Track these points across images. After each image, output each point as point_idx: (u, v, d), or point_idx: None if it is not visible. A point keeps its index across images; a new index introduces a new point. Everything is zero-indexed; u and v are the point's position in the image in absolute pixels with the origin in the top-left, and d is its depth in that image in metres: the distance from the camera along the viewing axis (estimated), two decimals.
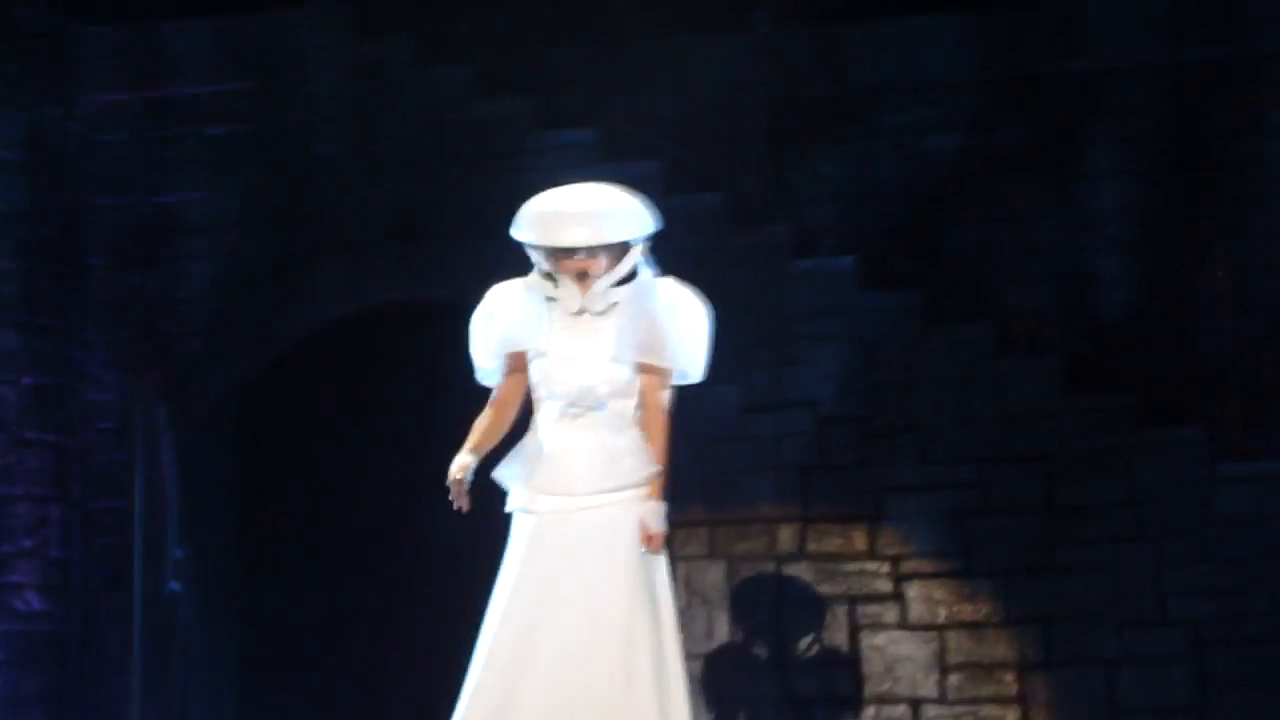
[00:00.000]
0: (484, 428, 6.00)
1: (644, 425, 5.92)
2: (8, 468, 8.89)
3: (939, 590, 8.30)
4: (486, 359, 6.02)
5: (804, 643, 8.40)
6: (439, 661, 6.23)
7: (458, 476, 5.91)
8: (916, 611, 8.33)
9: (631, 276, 5.92)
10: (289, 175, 9.37)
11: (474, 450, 5.95)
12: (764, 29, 9.31)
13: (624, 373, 5.88)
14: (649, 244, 5.93)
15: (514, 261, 6.01)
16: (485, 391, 6.04)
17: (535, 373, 5.92)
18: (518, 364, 5.96)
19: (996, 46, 9.21)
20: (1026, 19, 9.21)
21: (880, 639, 8.35)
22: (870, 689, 8.33)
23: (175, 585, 8.66)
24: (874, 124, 9.21)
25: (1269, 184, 8.71)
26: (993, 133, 9.10)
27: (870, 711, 8.31)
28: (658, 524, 5.85)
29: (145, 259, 9.35)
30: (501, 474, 5.94)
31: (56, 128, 9.38)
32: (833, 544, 8.43)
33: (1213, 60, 8.88)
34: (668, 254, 6.10)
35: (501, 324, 5.98)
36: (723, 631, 8.45)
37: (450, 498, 5.87)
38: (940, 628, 8.30)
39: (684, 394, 6.07)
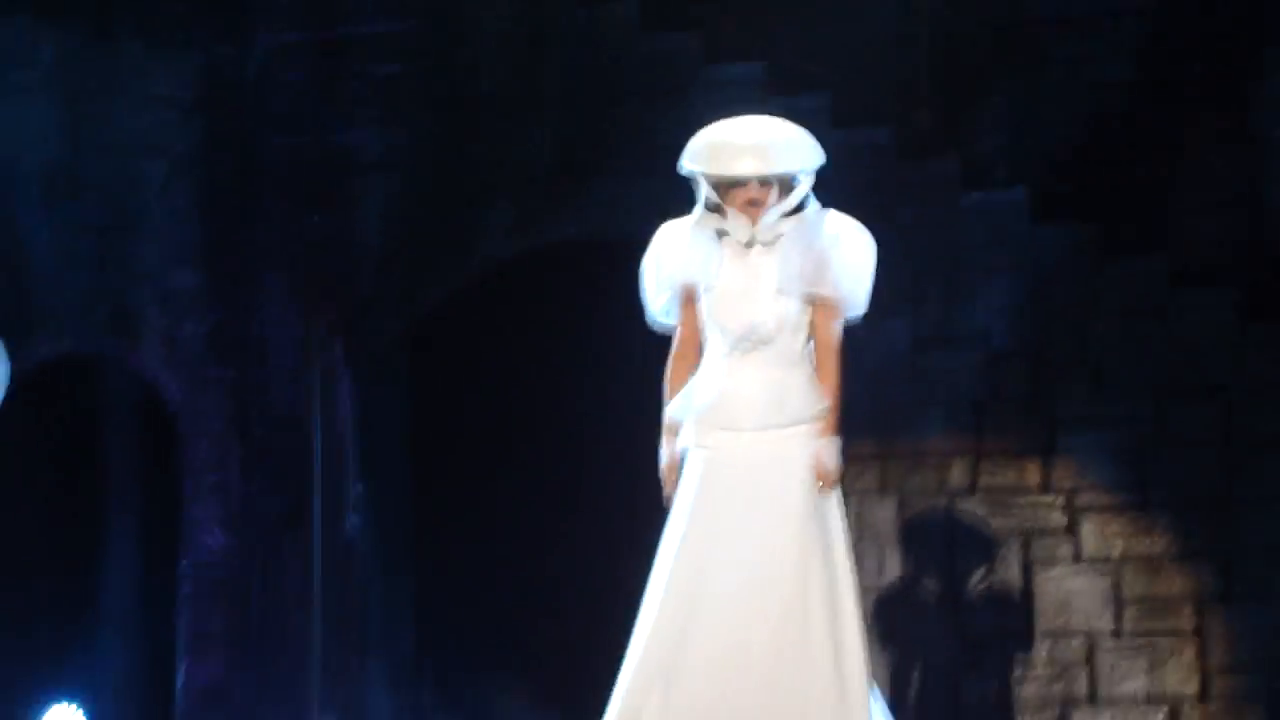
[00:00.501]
0: (676, 385, 6.04)
1: (815, 359, 5.93)
2: (190, 405, 9.09)
3: (1114, 525, 8.23)
4: (659, 295, 6.06)
5: (976, 578, 8.37)
6: (614, 594, 6.29)
7: (671, 477, 5.98)
8: (1091, 546, 8.28)
9: (799, 209, 5.93)
10: (458, 113, 9.43)
11: (674, 431, 5.97)
12: None
13: (792, 306, 5.89)
14: (816, 177, 5.93)
15: (682, 198, 6.03)
16: (654, 331, 6.07)
17: (704, 308, 5.95)
18: (691, 298, 6.00)
19: None
20: None
21: (1054, 573, 8.29)
22: (1044, 624, 8.28)
23: (354, 520, 8.81)
24: (1045, 55, 9.07)
25: None
26: (1167, 60, 8.93)
27: (1044, 647, 8.27)
28: (832, 460, 5.87)
29: (320, 198, 9.47)
30: (674, 412, 5.98)
31: (230, 69, 9.51)
32: (1006, 478, 8.38)
33: None
34: (836, 188, 6.10)
35: (672, 260, 6.02)
36: (894, 568, 8.44)
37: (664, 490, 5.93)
38: (1116, 562, 8.25)
39: (853, 329, 6.07)
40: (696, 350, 6.01)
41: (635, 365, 6.68)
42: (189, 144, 9.34)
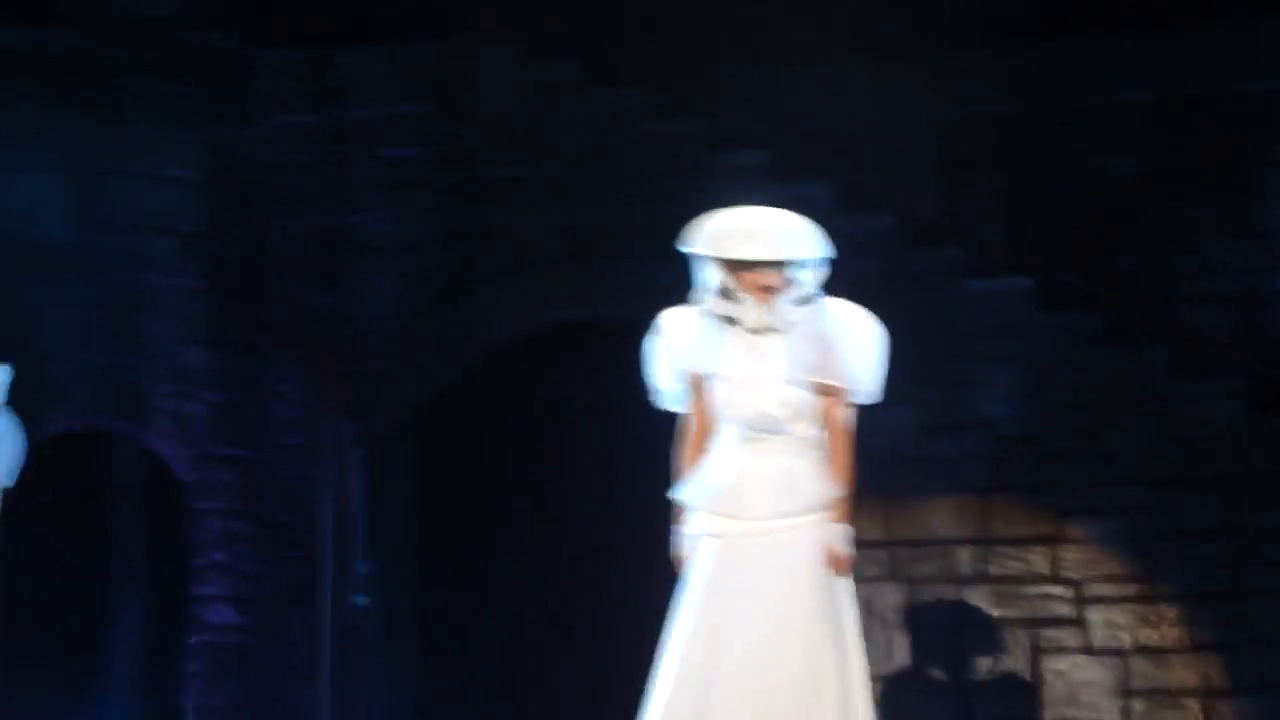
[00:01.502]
0: (686, 470, 6.05)
1: (827, 447, 5.95)
2: (199, 483, 9.08)
3: (1121, 615, 8.28)
4: (669, 384, 6.08)
5: (984, 667, 8.38)
6: (620, 679, 6.28)
7: (683, 556, 6.01)
8: (1099, 636, 8.32)
9: (809, 298, 5.97)
10: (464, 197, 9.49)
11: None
12: (935, 50, 9.31)
13: (802, 395, 5.91)
14: (825, 266, 5.98)
15: (686, 283, 6.07)
16: (660, 410, 6.09)
17: (714, 397, 5.97)
18: (701, 386, 6.02)
19: (1171, 67, 9.16)
20: (1200, 39, 9.14)
21: (1062, 664, 8.33)
22: (1051, 714, 8.31)
23: (361, 599, 8.78)
24: (1049, 145, 9.18)
25: None
26: (1167, 153, 9.04)
27: None
28: (844, 547, 5.88)
29: (327, 278, 9.52)
30: (683, 498, 6.00)
31: (237, 150, 9.56)
32: (1013, 567, 8.43)
33: None
34: (840, 275, 6.14)
35: (680, 349, 6.02)
36: (902, 654, 8.47)
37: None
38: (1124, 653, 8.28)
39: (860, 415, 6.09)
40: (706, 436, 6.03)
41: (640, 444, 6.70)
42: (197, 223, 9.37)
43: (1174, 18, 9.15)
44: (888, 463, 8.42)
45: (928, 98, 9.20)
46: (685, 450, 6.05)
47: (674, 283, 6.20)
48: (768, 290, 5.93)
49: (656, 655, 5.88)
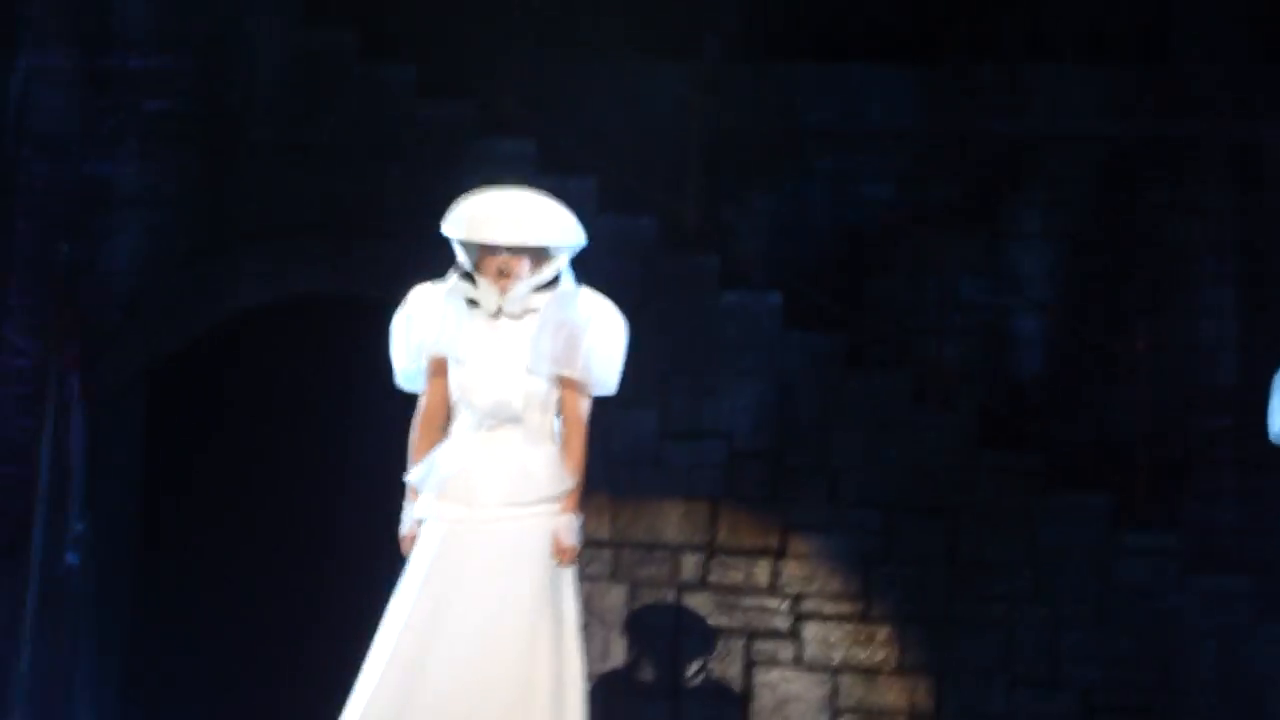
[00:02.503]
0: (421, 451, 5.99)
1: (562, 438, 5.94)
2: None
3: (836, 632, 8.37)
4: (408, 362, 6.02)
5: (697, 672, 8.43)
6: (335, 658, 6.21)
7: (410, 542, 5.93)
8: (811, 651, 8.39)
9: (553, 286, 5.94)
10: (223, 157, 9.30)
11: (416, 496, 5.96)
12: (713, 59, 9.35)
13: (540, 385, 5.90)
14: (572, 256, 5.96)
15: (445, 265, 6.02)
16: (400, 391, 6.04)
17: (453, 381, 5.92)
18: (439, 368, 5.96)
19: (939, 100, 9.32)
20: (971, 76, 9.32)
21: (774, 676, 8.40)
22: None
23: (73, 558, 8.58)
24: (812, 165, 9.28)
25: (1195, 264, 8.85)
26: (927, 185, 9.19)
27: None
28: (571, 538, 5.87)
29: (72, 227, 9.25)
30: (414, 480, 5.94)
31: None
32: (735, 577, 8.48)
33: (1150, 137, 9.01)
34: (597, 273, 6.14)
35: (422, 328, 5.98)
36: (619, 655, 8.47)
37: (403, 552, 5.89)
38: (834, 670, 8.37)
39: (601, 415, 6.10)
40: (442, 418, 5.98)
41: (379, 425, 6.64)
42: None
43: (950, 52, 9.31)
44: (624, 464, 8.46)
45: (701, 105, 9.23)
46: (420, 432, 6.00)
47: (431, 264, 6.15)
48: (504, 275, 5.90)
49: (377, 632, 5.83)
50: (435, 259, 6.10)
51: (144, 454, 9.21)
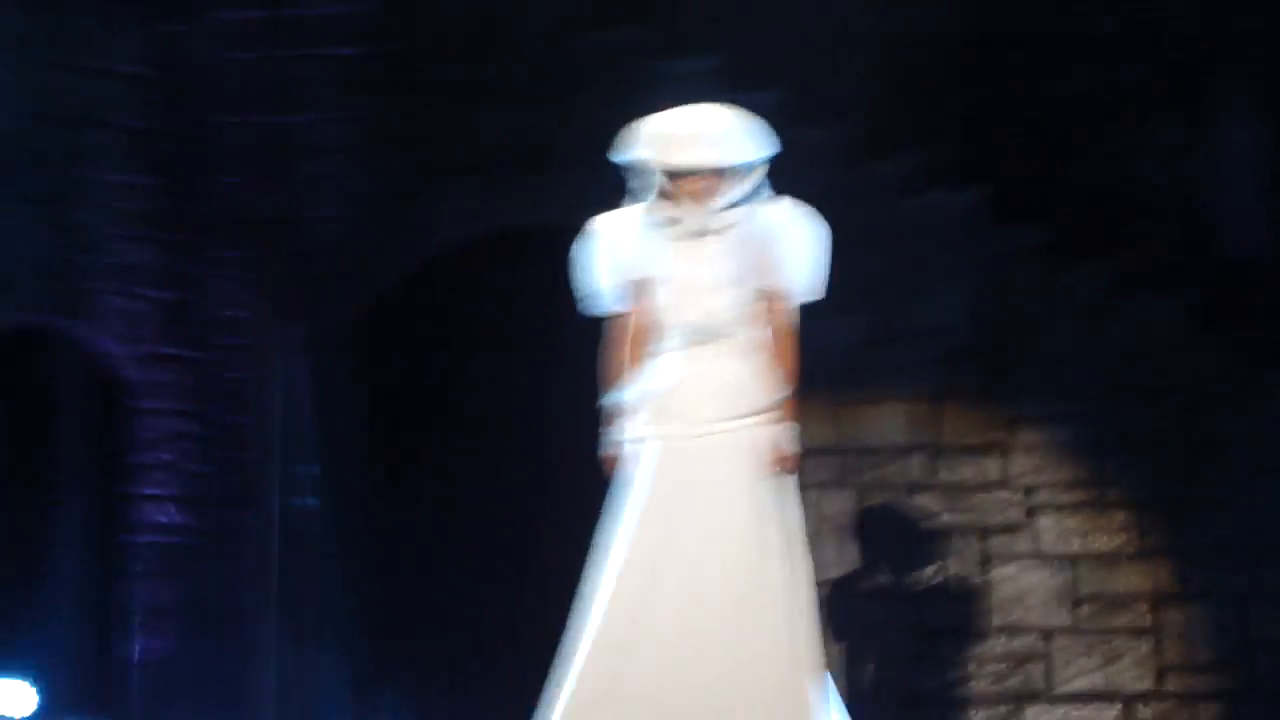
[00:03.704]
0: (619, 374, 6.05)
1: (772, 349, 5.95)
2: (145, 382, 9.01)
3: (1071, 521, 8.35)
4: (602, 287, 6.05)
5: (932, 572, 8.44)
6: (569, 582, 6.28)
7: (614, 462, 6.00)
8: (1047, 543, 8.38)
9: (749, 199, 5.95)
10: (411, 98, 9.39)
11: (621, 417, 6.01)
12: None
13: (745, 298, 5.92)
14: (766, 169, 5.94)
15: (632, 189, 6.03)
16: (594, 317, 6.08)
17: (656, 301, 5.95)
18: (641, 290, 6.00)
19: None
20: None
21: (1011, 569, 8.40)
22: (1000, 618, 8.39)
23: (311, 500, 8.76)
24: (1003, 57, 9.16)
25: None
26: (1124, 68, 9.05)
27: (1000, 641, 8.37)
28: (790, 445, 5.91)
29: (271, 178, 9.40)
30: (623, 401, 5.99)
31: (180, 45, 9.43)
32: (963, 473, 8.47)
33: None
34: (791, 185, 6.13)
35: (617, 252, 6.02)
36: (850, 559, 8.50)
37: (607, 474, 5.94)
38: (1073, 558, 8.34)
39: (809, 325, 6.11)
40: (640, 340, 6.02)
41: (582, 349, 6.69)
42: (140, 118, 9.24)
43: None
44: (840, 371, 8.47)
45: (884, 8, 9.16)
46: (619, 355, 6.05)
47: (620, 189, 6.17)
48: (705, 194, 5.92)
49: (596, 555, 5.90)
50: (624, 184, 6.11)
51: (365, 396, 9.35)
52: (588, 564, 5.94)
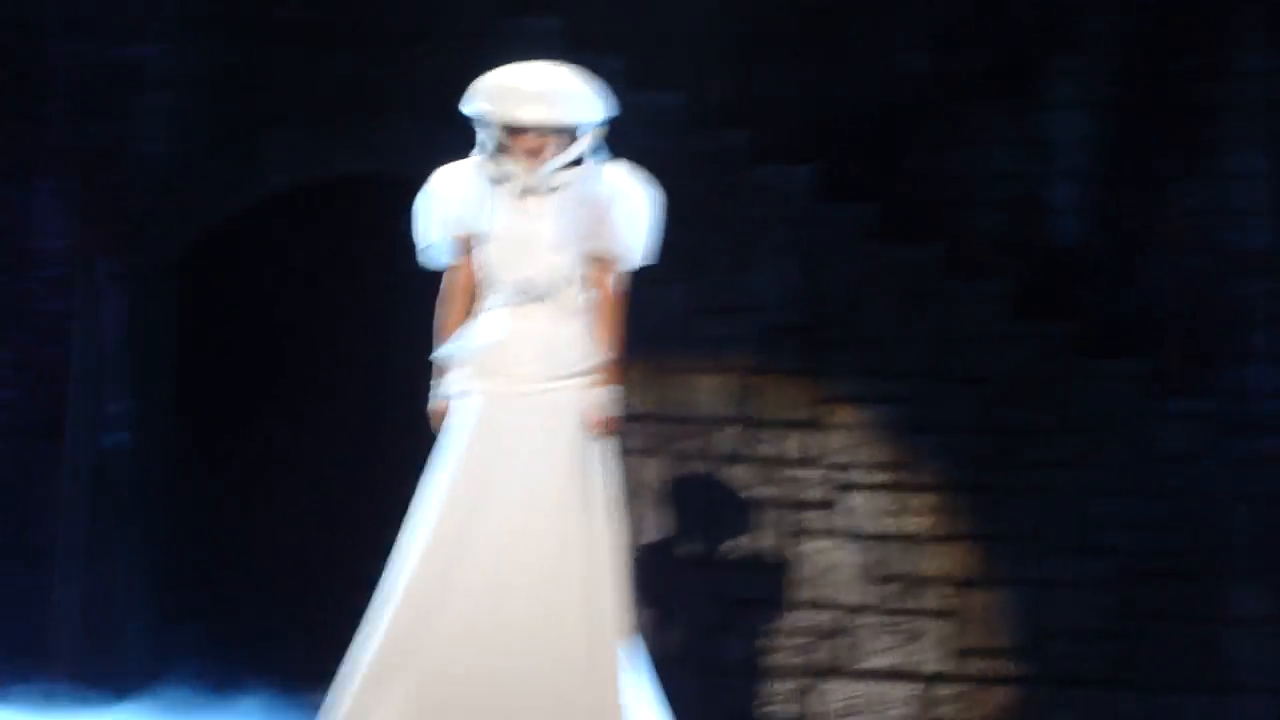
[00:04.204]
0: (450, 326, 6.03)
1: (598, 311, 5.97)
2: None
3: (874, 502, 8.44)
4: (434, 239, 6.05)
5: (738, 544, 8.51)
6: (376, 535, 6.27)
7: (439, 418, 5.97)
8: (851, 521, 8.47)
9: (580, 161, 5.95)
10: (252, 39, 9.26)
11: (445, 373, 5.99)
12: None
13: (568, 260, 5.93)
14: (603, 131, 5.95)
15: (470, 143, 6.02)
16: (427, 270, 6.06)
17: (481, 258, 5.95)
18: (466, 246, 5.99)
19: None
20: None
21: (815, 545, 8.48)
22: (808, 592, 8.46)
23: (113, 439, 8.65)
24: (842, 34, 9.21)
25: (1230, 128, 8.81)
26: (960, 53, 9.13)
27: (806, 614, 8.44)
28: (608, 409, 5.93)
29: (102, 110, 9.23)
30: (447, 354, 5.98)
31: None
32: (772, 449, 8.53)
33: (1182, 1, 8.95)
34: (627, 149, 6.15)
35: (449, 205, 6.02)
36: (659, 526, 8.55)
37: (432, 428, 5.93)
38: (875, 538, 8.44)
39: (638, 290, 6.13)
40: (470, 295, 6.02)
41: (411, 301, 6.67)
42: None
43: None
44: (659, 340, 8.49)
45: None
46: (449, 309, 6.04)
47: (458, 142, 6.16)
48: (541, 152, 5.92)
49: (411, 508, 5.89)
50: (463, 137, 6.10)
51: (180, 336, 9.25)
52: (405, 519, 5.93)
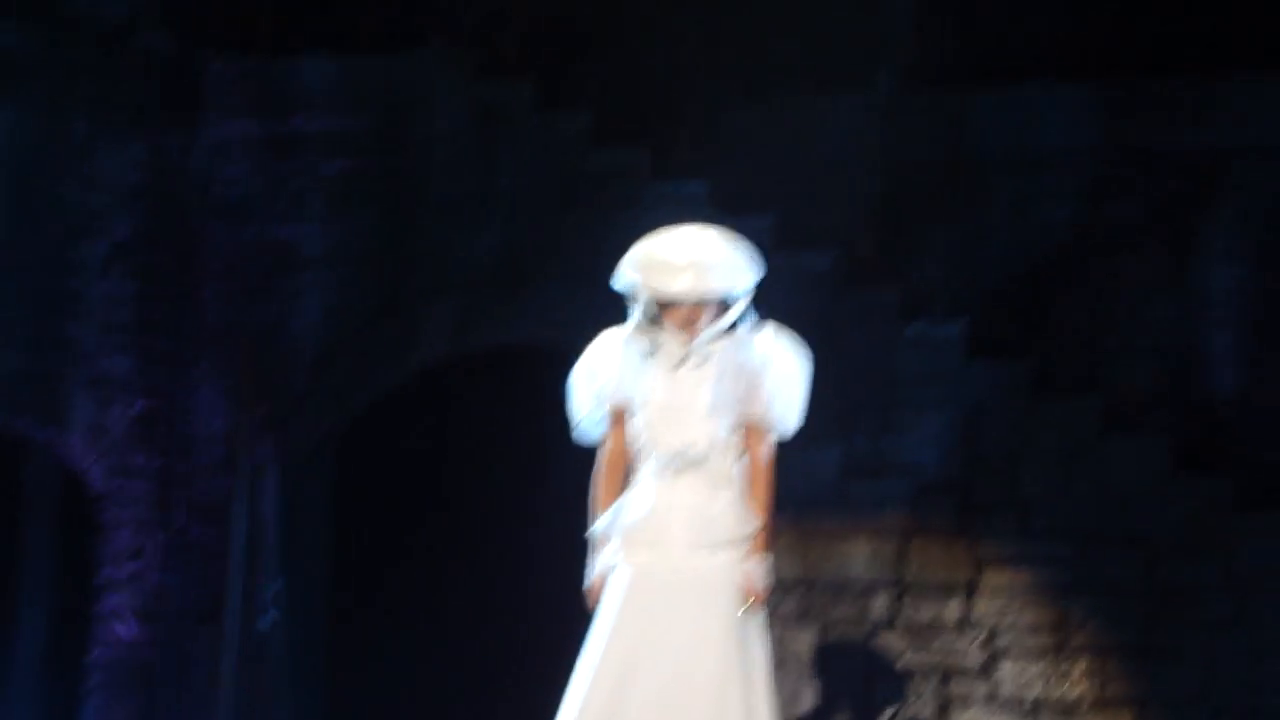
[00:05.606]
0: (605, 500, 6.02)
1: (746, 480, 5.92)
2: (113, 492, 8.98)
3: (1032, 667, 8.25)
4: (589, 412, 6.04)
5: (893, 713, 8.35)
6: (534, 703, 6.24)
7: (597, 591, 5.96)
8: (1008, 688, 8.28)
9: (733, 327, 5.93)
10: (404, 214, 9.43)
11: (602, 545, 5.98)
12: (885, 90, 9.29)
13: (722, 428, 5.89)
14: (753, 294, 5.94)
15: (623, 309, 6.02)
16: (582, 443, 6.06)
17: (636, 426, 5.94)
18: (620, 417, 5.97)
19: (1117, 118, 9.14)
20: (1150, 91, 9.12)
21: (970, 714, 8.31)
22: None
23: (268, 618, 8.72)
24: (988, 190, 9.16)
25: None
26: (1109, 205, 9.02)
27: None
28: (761, 579, 5.86)
29: (258, 291, 9.44)
30: (602, 526, 5.96)
31: (178, 157, 9.49)
32: (927, 614, 8.39)
33: None
34: (775, 310, 6.10)
35: (604, 376, 5.99)
36: (811, 697, 8.42)
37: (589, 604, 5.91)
38: (1031, 707, 8.25)
39: (784, 454, 6.06)
40: (624, 468, 5.99)
41: (565, 474, 6.66)
42: (131, 228, 9.29)
43: (1128, 66, 9.14)
44: (809, 503, 8.40)
45: (873, 137, 9.17)
46: (604, 483, 6.02)
47: (612, 310, 6.16)
48: (692, 321, 5.91)
49: (568, 685, 5.85)
50: (616, 304, 6.11)
51: (335, 513, 9.33)
52: (561, 695, 5.90)
